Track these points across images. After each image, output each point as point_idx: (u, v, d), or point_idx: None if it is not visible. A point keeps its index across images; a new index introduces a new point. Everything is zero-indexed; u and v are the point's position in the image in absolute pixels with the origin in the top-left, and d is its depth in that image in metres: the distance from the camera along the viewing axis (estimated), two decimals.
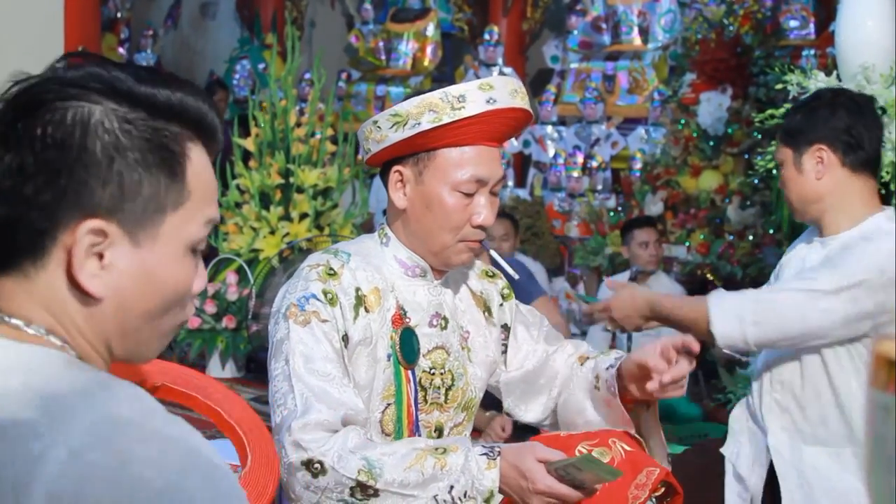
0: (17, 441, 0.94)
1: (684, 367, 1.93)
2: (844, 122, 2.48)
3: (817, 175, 2.49)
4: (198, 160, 1.09)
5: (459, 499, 1.77)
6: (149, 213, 1.04)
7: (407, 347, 1.95)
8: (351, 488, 1.76)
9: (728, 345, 2.46)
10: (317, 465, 1.76)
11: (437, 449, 1.81)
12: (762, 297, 2.46)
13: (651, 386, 1.92)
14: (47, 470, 0.92)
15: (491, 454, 1.80)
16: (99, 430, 0.95)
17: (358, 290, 1.93)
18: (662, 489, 1.97)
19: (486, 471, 1.78)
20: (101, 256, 1.03)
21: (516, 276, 2.13)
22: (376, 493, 1.76)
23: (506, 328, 2.16)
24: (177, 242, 1.07)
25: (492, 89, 1.89)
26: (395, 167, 1.96)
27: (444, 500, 1.77)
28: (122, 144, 1.03)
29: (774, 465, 2.56)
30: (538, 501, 1.78)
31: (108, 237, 1.03)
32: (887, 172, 3.30)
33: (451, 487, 1.77)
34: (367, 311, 1.93)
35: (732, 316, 2.41)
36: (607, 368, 2.03)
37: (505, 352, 2.16)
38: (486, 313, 2.13)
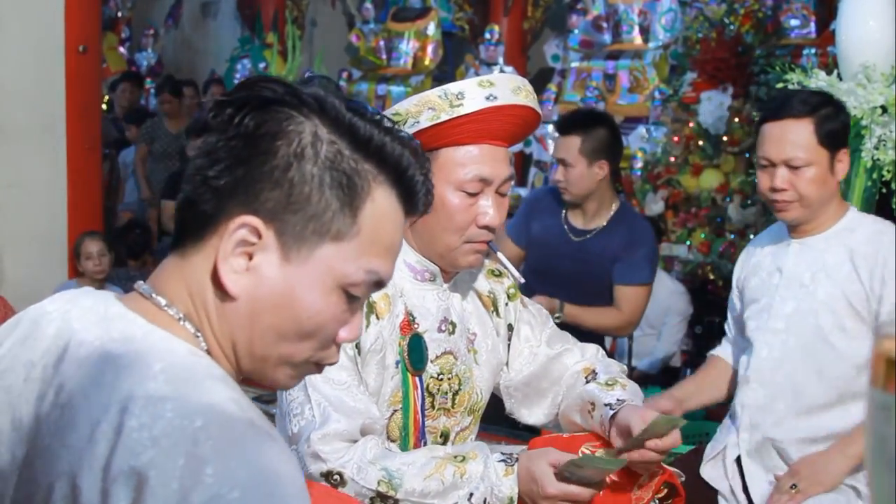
0: (114, 413, 0.94)
1: (670, 440, 1.86)
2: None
3: (838, 177, 2.55)
4: (382, 206, 1.07)
5: None
6: (308, 231, 1.03)
7: (415, 354, 1.93)
8: (371, 499, 1.76)
9: None
10: (336, 477, 1.75)
11: (455, 457, 1.80)
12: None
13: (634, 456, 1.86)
14: (127, 446, 0.92)
15: (509, 461, 1.80)
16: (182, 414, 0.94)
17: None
18: (665, 490, 1.97)
19: (505, 477, 1.77)
20: (250, 258, 1.03)
21: (522, 280, 2.12)
22: (396, 503, 1.76)
23: (510, 328, 2.14)
24: (327, 273, 1.05)
25: (492, 86, 1.85)
26: None
27: None
28: (306, 155, 1.02)
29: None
30: None
31: (261, 239, 1.02)
32: (888, 171, 3.30)
33: (471, 495, 1.77)
34: (377, 318, 1.91)
35: None
36: (605, 404, 1.98)
37: (508, 351, 2.16)
38: (495, 313, 2.11)
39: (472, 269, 2.09)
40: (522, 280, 2.11)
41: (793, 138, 2.49)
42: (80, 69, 5.34)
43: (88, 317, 1.03)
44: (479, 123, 1.86)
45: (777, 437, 2.55)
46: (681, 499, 1.99)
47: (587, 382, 2.08)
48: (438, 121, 1.84)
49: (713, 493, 2.65)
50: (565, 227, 3.65)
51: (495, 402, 2.21)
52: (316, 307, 1.05)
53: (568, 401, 2.11)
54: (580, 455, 1.84)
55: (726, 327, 2.86)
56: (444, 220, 1.90)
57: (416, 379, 1.94)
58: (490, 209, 1.91)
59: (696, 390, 2.82)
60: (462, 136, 1.87)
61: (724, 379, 2.80)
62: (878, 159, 3.30)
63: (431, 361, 1.96)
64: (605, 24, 7.90)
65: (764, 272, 2.68)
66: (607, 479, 1.83)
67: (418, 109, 1.85)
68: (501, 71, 8.20)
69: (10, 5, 4.98)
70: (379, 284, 1.09)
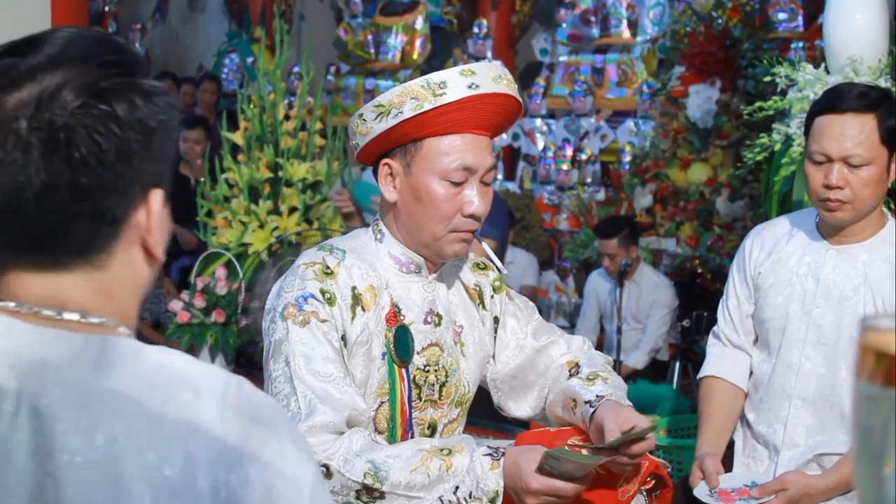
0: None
1: (645, 445, 1.85)
2: None
3: (891, 179, 2.39)
4: None
5: (465, 499, 1.77)
6: None
7: (401, 345, 1.94)
8: (357, 491, 1.76)
9: None
10: (322, 469, 1.74)
11: (442, 450, 1.80)
12: None
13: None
14: None
15: (495, 455, 1.79)
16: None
17: (354, 288, 1.91)
18: (652, 482, 1.97)
19: (490, 471, 1.77)
20: None
21: (505, 271, 2.13)
22: (382, 496, 1.76)
23: (496, 320, 2.15)
24: None
25: (474, 75, 1.87)
26: (384, 160, 1.94)
27: (450, 501, 1.77)
28: None
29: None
30: (533, 500, 1.77)
31: None
32: None
33: (457, 488, 1.77)
34: (363, 310, 1.91)
35: None
36: (585, 402, 1.99)
37: (494, 344, 2.15)
38: (481, 305, 2.12)
39: (458, 262, 2.10)
40: (506, 271, 2.12)
41: (854, 133, 2.31)
42: None
43: None
44: (463, 112, 1.87)
45: (828, 451, 2.41)
46: (668, 489, 1.99)
47: (570, 377, 2.09)
48: (422, 110, 1.85)
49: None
50: None
51: (483, 397, 2.21)
52: None
53: (553, 394, 2.11)
54: (558, 448, 1.84)
55: (725, 330, 2.63)
56: (429, 210, 1.91)
57: (403, 370, 1.94)
58: (475, 198, 1.92)
59: (723, 430, 2.58)
60: (446, 126, 1.88)
61: (738, 403, 2.59)
62: None
63: (418, 353, 1.97)
64: (593, 18, 7.90)
65: (790, 273, 2.49)
66: (593, 472, 1.82)
67: (401, 100, 1.86)
68: None
69: None
70: None
